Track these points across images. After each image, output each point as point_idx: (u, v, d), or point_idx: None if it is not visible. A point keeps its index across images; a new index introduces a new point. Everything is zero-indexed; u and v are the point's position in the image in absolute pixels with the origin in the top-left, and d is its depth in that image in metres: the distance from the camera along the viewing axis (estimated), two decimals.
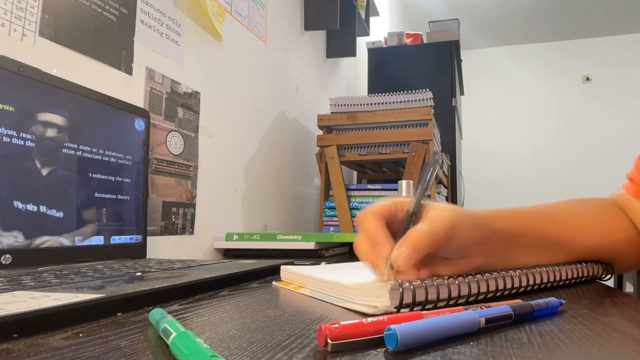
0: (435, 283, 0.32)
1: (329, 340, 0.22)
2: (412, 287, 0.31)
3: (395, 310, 0.30)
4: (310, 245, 0.87)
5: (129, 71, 0.77)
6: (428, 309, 0.31)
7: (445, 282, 0.33)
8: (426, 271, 0.35)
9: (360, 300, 0.33)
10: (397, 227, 0.37)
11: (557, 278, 0.41)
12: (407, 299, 0.31)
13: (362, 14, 1.98)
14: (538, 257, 0.44)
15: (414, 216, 0.37)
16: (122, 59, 0.75)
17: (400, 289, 0.30)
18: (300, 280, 0.44)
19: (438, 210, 0.37)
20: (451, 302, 0.33)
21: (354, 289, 0.34)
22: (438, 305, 0.32)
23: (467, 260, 0.39)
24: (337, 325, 0.22)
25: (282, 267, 0.50)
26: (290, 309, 0.34)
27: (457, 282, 0.33)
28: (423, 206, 0.38)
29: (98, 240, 0.62)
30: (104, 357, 0.21)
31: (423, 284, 0.32)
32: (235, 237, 0.95)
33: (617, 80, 4.16)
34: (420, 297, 0.31)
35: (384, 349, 0.23)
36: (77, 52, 0.67)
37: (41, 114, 0.55)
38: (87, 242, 0.60)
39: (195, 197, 0.93)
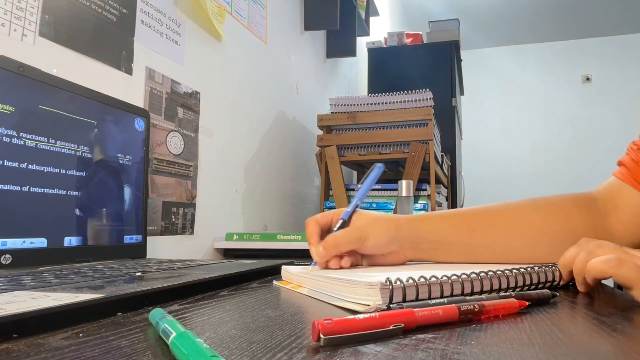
0: (427, 282, 0.33)
1: (321, 335, 0.23)
2: (402, 285, 0.32)
3: (386, 307, 0.31)
4: None
5: (129, 71, 0.77)
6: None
7: (438, 280, 0.33)
8: (348, 261, 0.47)
9: (353, 298, 0.34)
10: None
11: (557, 278, 0.41)
12: (398, 297, 0.31)
13: (362, 14, 1.98)
14: (465, 257, 0.50)
15: (344, 223, 0.49)
16: (122, 59, 0.75)
17: (390, 287, 0.31)
18: (299, 279, 0.45)
19: (357, 219, 0.49)
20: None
21: (347, 286, 0.35)
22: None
23: (396, 255, 0.50)
24: (330, 320, 0.23)
25: (283, 267, 0.50)
26: (290, 308, 0.34)
27: (450, 281, 0.34)
28: (356, 213, 0.50)
29: (98, 240, 0.62)
30: (104, 357, 0.21)
31: (415, 282, 0.32)
32: (235, 237, 0.95)
33: (617, 80, 4.16)
34: (411, 295, 0.32)
35: (376, 344, 0.23)
36: (77, 52, 0.67)
37: (41, 114, 0.55)
38: (87, 242, 0.60)
39: (195, 197, 0.93)
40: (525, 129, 4.34)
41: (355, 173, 1.78)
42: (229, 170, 1.08)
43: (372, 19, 2.23)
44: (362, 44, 2.16)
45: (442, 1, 3.65)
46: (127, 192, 0.68)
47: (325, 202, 1.32)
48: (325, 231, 0.50)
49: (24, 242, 0.52)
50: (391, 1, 3.26)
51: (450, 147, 1.91)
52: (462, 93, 2.72)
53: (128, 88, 0.76)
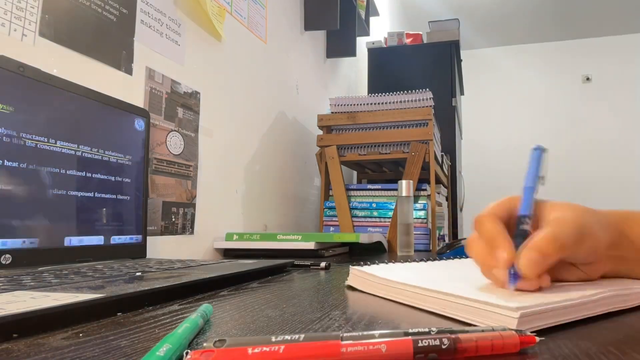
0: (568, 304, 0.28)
1: None
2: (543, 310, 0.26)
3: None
4: (310, 245, 0.87)
5: (129, 71, 0.77)
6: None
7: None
8: (548, 278, 0.32)
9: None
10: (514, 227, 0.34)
11: None
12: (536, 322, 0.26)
13: (362, 14, 1.98)
14: None
15: (528, 218, 0.34)
16: (122, 59, 0.75)
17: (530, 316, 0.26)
18: (385, 288, 0.38)
19: (561, 211, 0.34)
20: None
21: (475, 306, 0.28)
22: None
23: (595, 267, 0.35)
24: (212, 352, 0.19)
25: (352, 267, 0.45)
26: (290, 309, 0.34)
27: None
28: (539, 204, 0.35)
29: (98, 240, 0.62)
30: (104, 357, 0.21)
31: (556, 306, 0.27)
32: (235, 237, 0.95)
33: (617, 80, 4.16)
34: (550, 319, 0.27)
35: None
36: (77, 52, 0.67)
37: (41, 114, 0.55)
38: (87, 242, 0.60)
39: (195, 197, 0.93)
40: (525, 128, 4.34)
41: (355, 173, 1.78)
42: (229, 170, 1.08)
43: (372, 19, 2.23)
44: (362, 44, 2.16)
45: (442, 1, 3.65)
46: (127, 192, 0.68)
47: (325, 202, 1.32)
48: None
49: (24, 242, 0.52)
50: (391, 1, 3.26)
51: (450, 147, 1.91)
52: (462, 93, 2.72)
53: (128, 88, 0.76)
